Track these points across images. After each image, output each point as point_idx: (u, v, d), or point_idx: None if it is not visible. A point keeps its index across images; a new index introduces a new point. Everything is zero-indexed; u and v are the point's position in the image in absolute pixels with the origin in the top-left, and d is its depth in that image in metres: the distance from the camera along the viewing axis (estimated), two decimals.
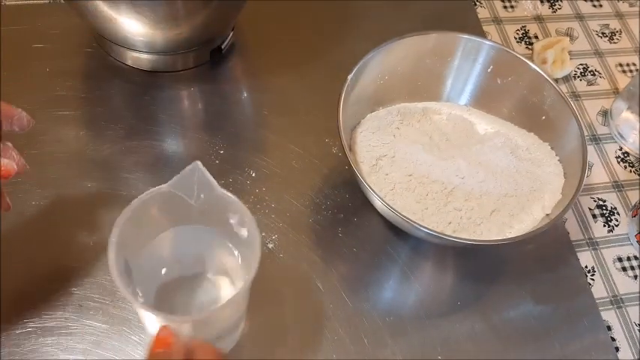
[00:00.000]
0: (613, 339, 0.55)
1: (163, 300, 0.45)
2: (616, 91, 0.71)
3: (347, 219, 0.57)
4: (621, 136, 0.67)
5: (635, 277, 0.59)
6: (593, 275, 0.58)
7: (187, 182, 0.43)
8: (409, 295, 0.55)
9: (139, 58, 0.62)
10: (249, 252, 0.42)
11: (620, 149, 0.67)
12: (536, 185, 0.56)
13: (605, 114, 0.70)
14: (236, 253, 0.47)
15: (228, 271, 0.48)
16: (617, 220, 0.62)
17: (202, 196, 0.43)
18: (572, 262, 0.59)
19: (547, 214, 0.54)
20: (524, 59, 0.59)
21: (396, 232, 0.57)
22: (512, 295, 0.56)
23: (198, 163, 0.43)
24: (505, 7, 0.77)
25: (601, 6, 0.79)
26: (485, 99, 0.62)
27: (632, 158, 0.67)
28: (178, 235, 0.47)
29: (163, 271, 0.47)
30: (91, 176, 0.56)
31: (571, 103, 0.57)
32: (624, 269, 0.59)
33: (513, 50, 0.61)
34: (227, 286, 0.47)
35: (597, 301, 0.57)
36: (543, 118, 0.59)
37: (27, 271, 0.51)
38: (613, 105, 0.69)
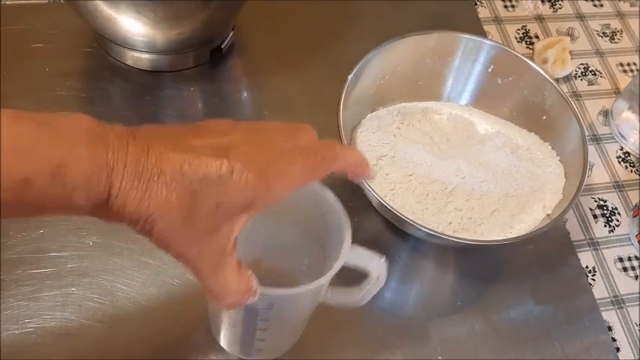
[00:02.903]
0: (614, 339, 0.55)
1: None
2: (617, 91, 0.71)
3: None
4: (622, 136, 0.67)
5: (636, 277, 0.59)
6: (593, 275, 0.58)
7: None
8: (409, 295, 0.55)
9: (139, 58, 0.62)
10: (333, 250, 0.40)
11: (621, 149, 0.67)
12: (536, 185, 0.56)
13: (606, 114, 0.69)
14: (317, 252, 0.45)
15: (307, 269, 0.46)
16: (617, 221, 0.62)
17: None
18: (572, 262, 0.59)
19: (548, 214, 0.54)
20: (524, 59, 0.59)
21: (396, 232, 0.57)
22: (512, 295, 0.56)
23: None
24: (506, 6, 0.77)
25: (602, 6, 0.79)
26: (485, 99, 0.62)
27: (632, 158, 0.66)
28: (265, 223, 0.44)
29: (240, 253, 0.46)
30: None
31: (572, 102, 0.57)
32: (625, 269, 0.59)
33: (514, 50, 0.61)
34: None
35: (598, 301, 0.57)
36: (544, 117, 0.59)
37: (24, 270, 0.51)
38: (614, 105, 0.69)
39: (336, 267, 0.38)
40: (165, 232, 0.31)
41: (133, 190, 0.29)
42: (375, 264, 0.41)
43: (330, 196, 0.41)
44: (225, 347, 0.49)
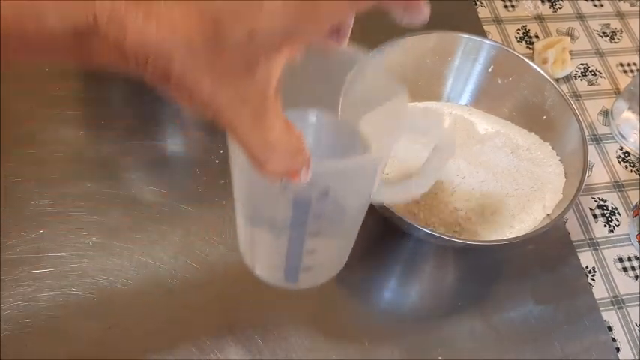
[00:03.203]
0: (614, 339, 0.55)
1: None
2: (617, 91, 0.71)
3: None
4: (622, 136, 0.67)
5: (636, 277, 0.59)
6: (593, 275, 0.58)
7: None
8: (409, 295, 0.55)
9: None
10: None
11: (621, 149, 0.67)
12: (536, 185, 0.56)
13: (606, 114, 0.69)
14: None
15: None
16: (617, 221, 0.62)
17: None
18: (572, 262, 0.59)
19: (548, 215, 0.54)
20: (524, 59, 0.59)
21: (396, 232, 0.57)
22: (512, 295, 0.56)
23: None
24: (506, 6, 0.77)
25: (602, 6, 0.79)
26: (485, 99, 0.62)
27: (632, 158, 0.66)
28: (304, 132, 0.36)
29: None
30: (91, 176, 0.56)
31: (572, 102, 0.57)
32: (625, 269, 0.59)
33: (514, 50, 0.61)
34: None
35: (598, 301, 0.57)
36: (544, 118, 0.59)
37: (24, 270, 0.51)
38: (614, 105, 0.69)
39: (397, 136, 0.31)
40: (187, 72, 0.24)
41: (131, 10, 0.23)
42: (439, 130, 0.33)
43: (370, 58, 0.33)
44: (264, 276, 0.41)
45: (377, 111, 0.34)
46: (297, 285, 0.40)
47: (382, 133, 0.33)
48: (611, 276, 0.59)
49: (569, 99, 0.57)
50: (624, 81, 0.72)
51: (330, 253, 0.39)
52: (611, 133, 0.68)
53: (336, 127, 0.36)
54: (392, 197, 0.38)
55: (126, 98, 0.62)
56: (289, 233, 0.35)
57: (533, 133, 0.60)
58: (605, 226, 0.62)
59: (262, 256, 0.39)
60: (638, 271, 0.59)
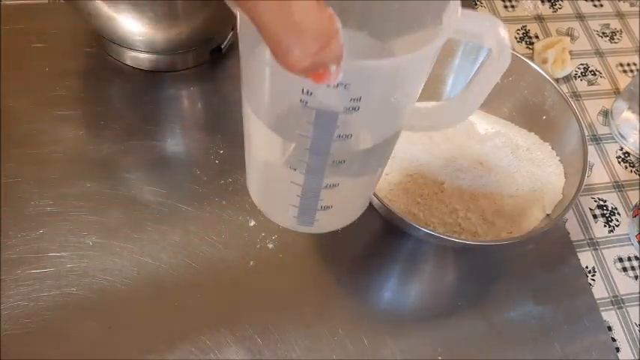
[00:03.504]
0: (613, 339, 0.55)
1: None
2: (617, 91, 0.71)
3: None
4: (622, 136, 0.67)
5: (636, 277, 0.59)
6: (593, 275, 0.58)
7: None
8: (409, 295, 0.55)
9: (139, 58, 0.62)
10: None
11: (621, 149, 0.67)
12: (536, 185, 0.56)
13: (606, 114, 0.69)
14: None
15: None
16: (617, 221, 0.62)
17: None
18: (572, 263, 0.59)
19: (548, 214, 0.54)
20: (524, 59, 0.59)
21: (396, 232, 0.57)
22: (512, 295, 0.56)
23: None
24: (505, 6, 0.77)
25: (602, 6, 0.79)
26: (485, 99, 0.62)
27: (632, 158, 0.66)
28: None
29: None
30: (91, 176, 0.56)
31: (572, 103, 0.57)
32: (625, 269, 0.59)
33: (514, 50, 0.61)
34: None
35: (598, 301, 0.57)
36: (544, 118, 0.59)
37: (24, 270, 0.51)
38: (613, 105, 0.69)
39: (442, 37, 0.26)
40: None
41: None
42: (494, 31, 0.28)
43: None
44: (274, 217, 0.36)
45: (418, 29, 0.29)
46: (311, 229, 0.34)
47: (423, 41, 0.27)
48: (611, 276, 0.59)
49: (569, 99, 0.57)
50: (624, 81, 0.72)
51: (353, 190, 0.33)
52: (611, 133, 0.68)
53: (369, 46, 0.32)
54: (433, 122, 0.31)
55: (126, 98, 0.62)
56: (308, 161, 0.29)
57: (533, 133, 0.60)
58: (605, 226, 0.62)
59: (274, 193, 0.34)
60: (638, 271, 0.59)
